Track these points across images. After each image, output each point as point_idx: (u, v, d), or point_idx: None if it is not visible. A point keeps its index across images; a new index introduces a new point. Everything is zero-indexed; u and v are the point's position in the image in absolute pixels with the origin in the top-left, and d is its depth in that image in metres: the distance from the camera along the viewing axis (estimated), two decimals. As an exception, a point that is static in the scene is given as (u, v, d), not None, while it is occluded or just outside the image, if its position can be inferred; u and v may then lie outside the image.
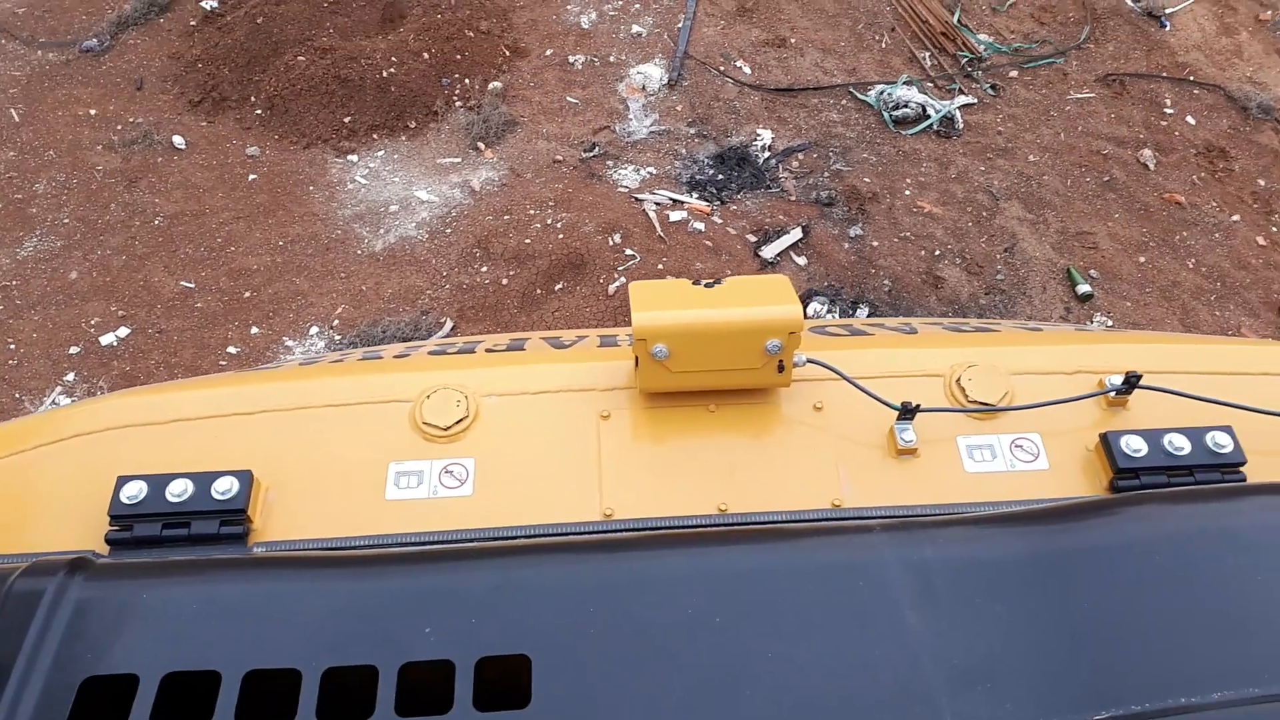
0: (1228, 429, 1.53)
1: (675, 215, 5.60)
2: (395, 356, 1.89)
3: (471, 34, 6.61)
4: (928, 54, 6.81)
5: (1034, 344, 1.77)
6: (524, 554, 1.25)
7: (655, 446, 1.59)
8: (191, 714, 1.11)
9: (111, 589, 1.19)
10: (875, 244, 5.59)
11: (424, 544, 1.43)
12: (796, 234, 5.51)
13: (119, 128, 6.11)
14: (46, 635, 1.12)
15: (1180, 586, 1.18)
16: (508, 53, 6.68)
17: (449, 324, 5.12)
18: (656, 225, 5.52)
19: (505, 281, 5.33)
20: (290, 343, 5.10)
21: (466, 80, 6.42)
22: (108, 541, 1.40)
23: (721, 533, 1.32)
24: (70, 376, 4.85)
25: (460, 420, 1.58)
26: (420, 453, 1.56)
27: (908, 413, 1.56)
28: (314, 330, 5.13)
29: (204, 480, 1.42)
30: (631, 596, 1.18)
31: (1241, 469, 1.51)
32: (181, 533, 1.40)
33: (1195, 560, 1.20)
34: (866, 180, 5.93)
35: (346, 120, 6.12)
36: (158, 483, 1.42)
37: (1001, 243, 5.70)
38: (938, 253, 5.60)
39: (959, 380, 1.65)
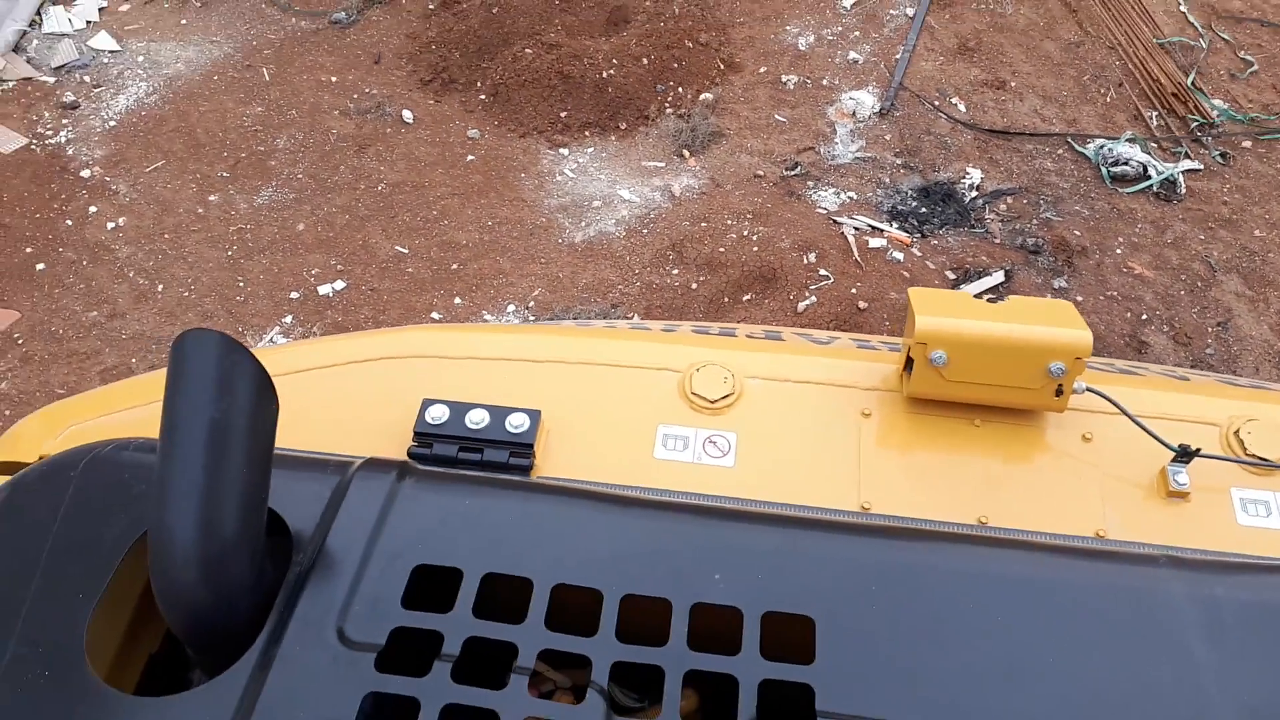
0: None
1: (875, 242, 5.57)
2: (661, 329, 1.98)
3: (690, 45, 6.76)
4: (1155, 113, 6.54)
5: None
6: (805, 525, 1.30)
7: (916, 451, 1.62)
8: (493, 612, 1.21)
9: (434, 493, 1.31)
10: (1080, 299, 5.40)
11: (689, 502, 1.50)
12: (999, 276, 5.39)
13: (355, 97, 6.54)
14: (384, 524, 1.24)
15: None
16: (722, 66, 6.80)
17: (635, 320, 5.24)
18: (854, 249, 5.51)
19: (695, 286, 5.42)
20: (488, 317, 5.33)
21: (680, 89, 6.57)
22: (409, 455, 1.52)
23: (996, 539, 1.33)
24: (288, 319, 5.22)
25: (726, 395, 1.65)
26: (687, 420, 1.63)
27: (1185, 455, 1.53)
28: (511, 308, 5.35)
29: (499, 413, 1.54)
30: (913, 581, 1.21)
31: None
32: (475, 457, 1.51)
33: None
34: (1076, 233, 5.75)
35: (563, 115, 6.36)
36: (459, 409, 1.54)
37: (1215, 316, 5.42)
38: (1144, 316, 5.37)
39: (1237, 432, 1.60)
